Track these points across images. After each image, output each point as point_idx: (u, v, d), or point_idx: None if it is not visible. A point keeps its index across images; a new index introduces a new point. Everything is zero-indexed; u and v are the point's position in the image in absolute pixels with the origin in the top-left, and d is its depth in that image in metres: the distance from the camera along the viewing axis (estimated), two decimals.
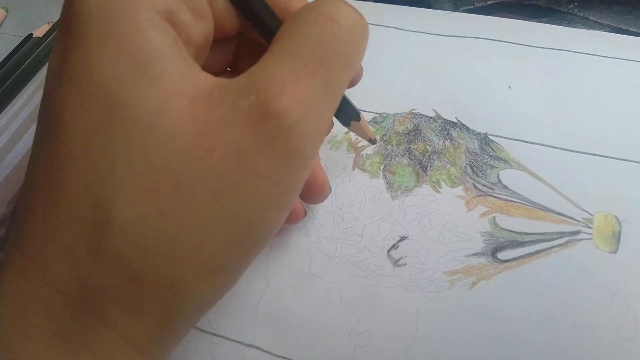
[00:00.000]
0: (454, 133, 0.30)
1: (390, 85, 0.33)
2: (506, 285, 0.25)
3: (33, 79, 0.37)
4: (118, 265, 0.15)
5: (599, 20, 0.36)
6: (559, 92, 0.31)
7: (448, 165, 0.29)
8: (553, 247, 0.26)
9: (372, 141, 0.27)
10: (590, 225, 0.26)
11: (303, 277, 0.26)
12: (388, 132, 0.30)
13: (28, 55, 0.37)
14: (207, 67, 0.19)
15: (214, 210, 0.16)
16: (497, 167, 0.29)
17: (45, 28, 0.39)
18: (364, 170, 0.29)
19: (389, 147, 0.30)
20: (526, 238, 0.26)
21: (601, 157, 0.28)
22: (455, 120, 0.31)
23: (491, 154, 0.29)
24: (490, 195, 0.28)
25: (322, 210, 0.28)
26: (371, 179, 0.29)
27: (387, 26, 0.36)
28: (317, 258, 0.26)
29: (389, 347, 0.24)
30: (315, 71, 0.16)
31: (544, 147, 0.29)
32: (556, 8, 0.37)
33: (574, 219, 0.27)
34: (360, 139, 0.30)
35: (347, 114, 0.24)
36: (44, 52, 0.38)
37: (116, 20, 0.16)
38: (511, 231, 0.27)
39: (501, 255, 0.26)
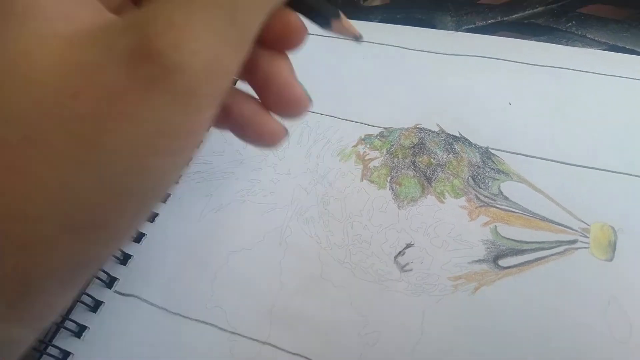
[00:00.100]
0: (457, 147, 0.32)
1: (396, 101, 0.35)
2: (507, 291, 0.27)
3: None
4: None
5: (596, 38, 0.38)
6: (557, 108, 0.33)
7: (452, 177, 0.31)
8: (551, 255, 0.27)
9: (358, 38, 0.23)
10: (587, 235, 0.28)
11: (315, 281, 0.28)
12: (394, 146, 0.32)
13: None
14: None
15: (77, 160, 0.14)
16: (498, 179, 0.30)
17: None
18: (371, 182, 0.31)
19: (395, 160, 0.32)
20: (526, 246, 0.28)
21: (597, 170, 0.30)
22: (458, 135, 0.32)
23: (492, 166, 0.31)
24: (491, 206, 0.29)
25: (332, 219, 0.30)
26: (378, 189, 0.31)
27: (393, 45, 0.38)
28: (328, 263, 0.28)
29: (396, 347, 0.25)
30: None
31: (543, 160, 0.31)
32: (555, 27, 0.39)
33: (572, 229, 0.28)
34: (367, 152, 0.32)
35: (324, 15, 0.21)
36: None
37: None
38: (512, 240, 0.28)
39: (502, 262, 0.27)
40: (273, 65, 0.19)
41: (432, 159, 0.31)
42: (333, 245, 0.29)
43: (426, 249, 0.28)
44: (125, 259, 0.29)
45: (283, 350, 0.26)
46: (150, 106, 0.14)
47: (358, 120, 0.34)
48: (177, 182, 0.32)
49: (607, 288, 0.26)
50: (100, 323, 0.27)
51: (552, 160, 0.31)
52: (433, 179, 0.31)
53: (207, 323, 0.27)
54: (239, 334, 0.26)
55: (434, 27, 0.40)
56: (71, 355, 0.26)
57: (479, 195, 0.30)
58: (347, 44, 0.38)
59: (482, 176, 0.30)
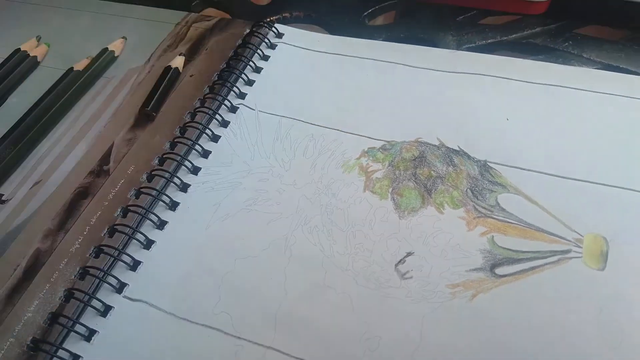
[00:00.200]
0: (456, 160, 0.33)
1: (398, 116, 0.36)
2: (503, 298, 0.27)
3: (73, 107, 0.40)
4: None
5: (591, 58, 0.39)
6: (552, 124, 0.34)
7: (451, 189, 0.32)
8: (546, 264, 0.28)
9: None
10: (580, 245, 0.29)
11: (318, 288, 0.29)
12: (396, 158, 0.33)
13: (69, 87, 0.41)
14: None
15: None
16: (495, 192, 0.31)
17: (84, 62, 0.43)
18: (373, 193, 0.32)
19: (397, 172, 0.33)
20: (522, 256, 0.29)
21: (591, 184, 0.31)
22: (457, 149, 0.34)
23: (490, 179, 0.32)
24: (489, 217, 0.30)
25: (335, 228, 0.31)
26: (380, 200, 0.32)
27: (396, 63, 0.39)
28: (331, 271, 0.29)
29: (397, 351, 0.26)
30: None
31: (539, 174, 0.32)
32: (552, 46, 0.40)
33: (566, 239, 0.29)
34: (370, 164, 0.33)
35: None
36: (84, 84, 0.41)
37: None
38: (508, 249, 0.29)
39: (499, 270, 0.28)
40: None
41: (432, 172, 0.33)
42: (336, 253, 0.30)
43: (426, 257, 0.29)
44: (134, 265, 0.30)
45: (287, 354, 0.27)
46: None
47: (361, 134, 0.35)
48: (185, 192, 0.33)
49: (599, 296, 0.27)
50: (109, 327, 0.28)
51: (547, 174, 0.32)
52: (433, 190, 0.32)
53: (213, 328, 0.28)
54: (244, 339, 0.27)
55: (435, 45, 0.41)
56: (81, 359, 0.27)
57: (476, 207, 0.31)
58: (352, 62, 0.40)
59: (480, 188, 0.32)
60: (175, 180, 0.33)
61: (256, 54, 0.41)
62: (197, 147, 0.35)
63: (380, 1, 0.46)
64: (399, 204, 0.31)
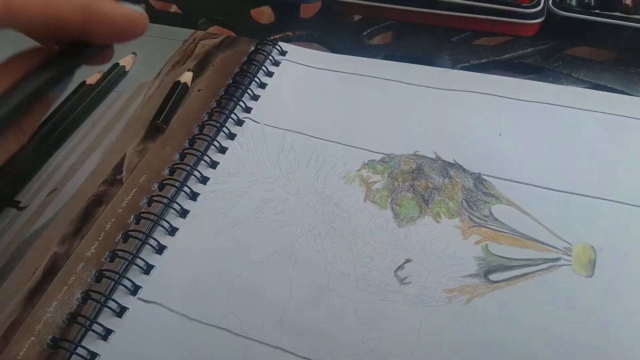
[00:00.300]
0: (452, 172, 0.35)
1: (397, 130, 0.38)
2: (496, 302, 0.29)
3: (87, 120, 0.42)
4: None
5: (580, 77, 0.41)
6: (543, 140, 0.36)
7: (447, 199, 0.34)
8: (537, 271, 0.30)
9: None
10: (570, 253, 0.31)
11: (322, 292, 0.30)
12: (395, 171, 0.35)
13: (82, 100, 0.43)
14: None
15: None
16: (489, 202, 0.33)
17: (96, 77, 0.44)
18: (374, 203, 0.34)
19: (396, 183, 0.35)
20: (514, 263, 0.31)
21: (579, 196, 0.33)
22: (453, 162, 0.36)
23: (484, 191, 0.34)
24: (483, 226, 0.32)
25: (338, 236, 0.32)
26: (380, 210, 0.34)
27: (395, 80, 0.41)
28: (334, 276, 0.31)
29: (395, 352, 0.28)
30: None
31: (530, 186, 0.34)
32: (543, 66, 0.43)
33: (556, 248, 0.31)
34: (370, 176, 0.35)
35: None
36: (96, 98, 0.43)
37: None
38: (501, 257, 0.31)
39: (492, 277, 0.30)
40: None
41: (429, 183, 0.34)
42: (338, 259, 0.32)
43: (423, 264, 0.31)
44: (148, 269, 0.32)
45: (292, 354, 0.28)
46: None
47: (362, 147, 0.37)
48: (195, 200, 0.35)
49: (588, 301, 0.29)
50: (125, 327, 0.30)
51: (538, 186, 0.34)
52: (430, 201, 0.34)
53: (223, 328, 0.29)
54: (252, 339, 0.29)
55: (432, 64, 0.43)
56: (98, 357, 0.29)
57: (471, 217, 0.33)
58: (353, 78, 0.42)
59: (475, 199, 0.33)
60: (185, 189, 0.35)
61: (261, 70, 0.43)
62: (205, 158, 0.37)
63: (379, 22, 0.48)
64: (398, 213, 0.33)
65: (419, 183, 0.35)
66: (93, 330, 0.29)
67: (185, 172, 0.36)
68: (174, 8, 0.53)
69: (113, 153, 0.39)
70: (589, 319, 0.28)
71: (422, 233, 0.32)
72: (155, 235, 0.33)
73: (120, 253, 0.32)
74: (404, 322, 0.29)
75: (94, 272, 0.32)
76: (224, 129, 0.39)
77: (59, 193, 0.37)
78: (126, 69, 0.46)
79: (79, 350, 0.29)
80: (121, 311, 0.30)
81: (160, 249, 0.33)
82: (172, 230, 0.33)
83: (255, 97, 0.41)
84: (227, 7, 0.52)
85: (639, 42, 0.42)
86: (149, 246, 0.33)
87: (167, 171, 0.36)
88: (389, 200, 0.34)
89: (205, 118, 0.39)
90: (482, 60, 0.43)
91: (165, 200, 0.34)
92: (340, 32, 0.48)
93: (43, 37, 0.25)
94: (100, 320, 0.30)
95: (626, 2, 0.43)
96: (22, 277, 0.32)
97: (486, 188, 0.34)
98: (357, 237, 0.32)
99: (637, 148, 0.35)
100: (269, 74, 0.43)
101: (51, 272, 0.32)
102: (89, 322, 0.29)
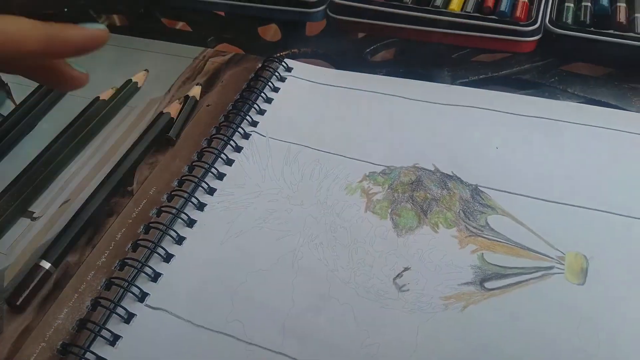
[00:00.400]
0: (450, 184, 0.36)
1: (397, 143, 0.39)
2: (491, 309, 0.30)
3: (99, 133, 0.44)
4: None
5: (575, 92, 0.42)
6: (538, 153, 0.37)
7: (445, 210, 0.35)
8: (531, 279, 0.31)
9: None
10: (562, 262, 0.32)
11: (323, 299, 0.31)
12: (395, 182, 0.37)
13: (95, 114, 0.44)
14: None
15: None
16: (485, 213, 0.34)
17: (109, 92, 0.46)
18: (374, 213, 0.35)
19: (396, 194, 0.36)
20: (509, 271, 0.32)
21: (573, 207, 0.34)
22: (451, 174, 0.37)
23: (481, 202, 0.35)
24: (479, 236, 0.33)
25: (339, 245, 0.34)
26: (380, 220, 0.35)
27: (396, 95, 0.43)
28: (334, 283, 0.32)
29: (394, 357, 0.29)
30: None
31: (526, 197, 0.35)
32: (539, 81, 0.44)
33: (549, 257, 0.32)
34: (371, 187, 0.36)
35: None
36: (109, 112, 0.45)
37: None
38: (496, 265, 0.32)
39: (488, 284, 0.31)
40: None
41: (428, 194, 0.36)
42: (339, 267, 0.33)
43: (421, 272, 0.32)
44: (155, 277, 0.33)
45: (295, 359, 0.29)
46: None
47: (364, 160, 0.38)
48: (202, 210, 0.36)
49: (580, 308, 0.30)
50: (132, 333, 0.31)
51: (533, 198, 0.35)
52: (428, 211, 0.35)
53: (227, 334, 0.30)
54: (255, 345, 0.30)
55: (432, 80, 0.44)
56: None
57: (468, 227, 0.34)
58: (356, 94, 0.43)
59: (472, 210, 0.35)
60: (193, 200, 0.37)
61: (267, 85, 0.44)
62: (213, 170, 0.38)
63: (382, 39, 0.49)
64: (398, 223, 0.34)
65: (418, 194, 0.36)
66: (101, 336, 0.30)
67: (194, 184, 0.37)
68: (179, 25, 0.55)
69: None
70: (580, 325, 0.29)
71: (420, 242, 0.33)
72: (163, 244, 0.34)
73: (129, 262, 0.33)
74: (402, 328, 0.30)
75: (103, 280, 0.33)
76: (231, 142, 0.40)
77: (71, 203, 0.38)
78: (138, 85, 0.48)
79: (88, 355, 0.30)
80: (129, 317, 0.31)
81: (167, 258, 0.34)
82: (180, 240, 0.35)
83: (261, 112, 0.43)
84: (235, 25, 0.54)
85: (633, 59, 0.43)
86: (157, 255, 0.34)
87: (176, 182, 0.38)
88: (389, 210, 0.35)
89: (214, 132, 0.41)
90: (481, 76, 0.45)
91: (173, 211, 0.36)
92: (344, 49, 0.49)
93: (6, 68, 0.29)
94: (108, 326, 0.31)
95: (620, 20, 0.44)
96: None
97: (483, 199, 0.35)
98: (358, 246, 0.34)
99: (629, 161, 0.36)
100: (275, 90, 0.45)
101: (63, 280, 0.34)
102: (98, 328, 0.31)
